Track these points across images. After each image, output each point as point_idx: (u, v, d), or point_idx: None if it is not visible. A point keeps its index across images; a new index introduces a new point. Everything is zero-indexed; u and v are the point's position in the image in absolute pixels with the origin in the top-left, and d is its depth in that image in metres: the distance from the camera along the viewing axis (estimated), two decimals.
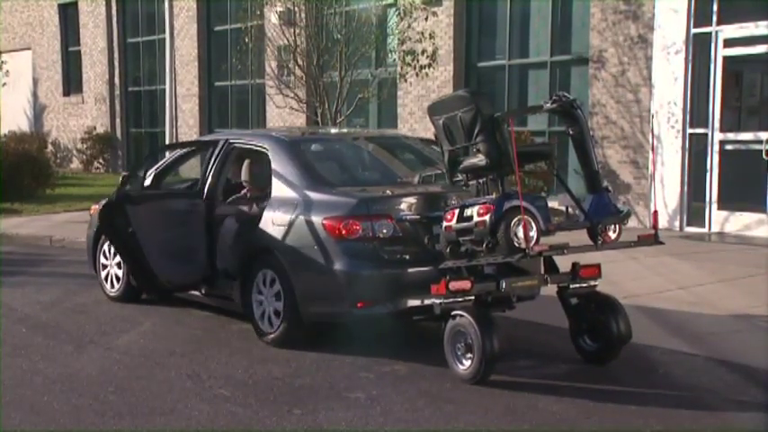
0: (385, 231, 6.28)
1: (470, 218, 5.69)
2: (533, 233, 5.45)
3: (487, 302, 5.91)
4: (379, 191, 6.71)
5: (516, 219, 5.44)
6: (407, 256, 6.36)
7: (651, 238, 5.93)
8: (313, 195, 6.66)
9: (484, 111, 5.71)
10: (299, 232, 6.53)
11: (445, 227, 5.91)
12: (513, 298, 6.04)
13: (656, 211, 6.09)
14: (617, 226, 5.87)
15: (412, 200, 6.51)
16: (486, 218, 5.54)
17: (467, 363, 5.65)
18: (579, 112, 5.86)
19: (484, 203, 5.64)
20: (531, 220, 5.47)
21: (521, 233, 5.41)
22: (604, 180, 6.76)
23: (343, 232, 6.26)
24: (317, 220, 6.43)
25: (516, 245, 5.45)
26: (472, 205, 5.73)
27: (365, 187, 6.84)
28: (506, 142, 5.64)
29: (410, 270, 6.33)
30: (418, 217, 6.38)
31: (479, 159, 5.75)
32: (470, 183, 6.06)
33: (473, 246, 5.77)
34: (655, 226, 5.98)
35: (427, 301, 5.90)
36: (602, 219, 5.79)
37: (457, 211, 5.84)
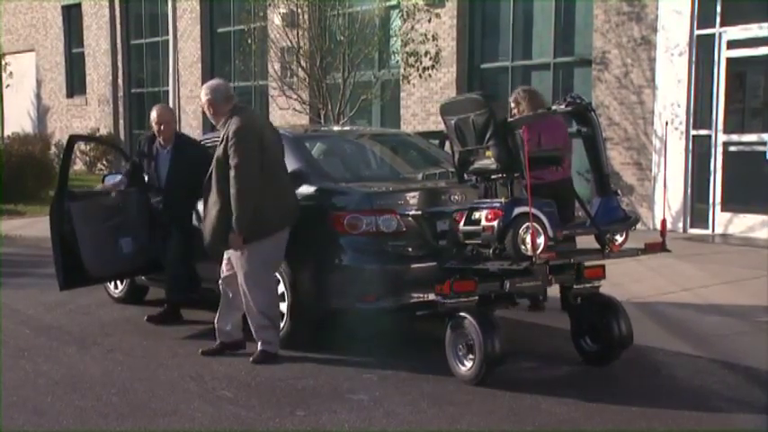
0: (389, 226, 6.28)
1: (478, 221, 5.67)
2: (541, 240, 5.41)
3: (490, 299, 5.90)
4: (383, 186, 6.71)
5: (524, 226, 5.40)
6: (411, 251, 6.37)
7: (659, 247, 5.88)
8: (317, 191, 6.66)
9: (497, 115, 5.70)
10: (303, 228, 6.53)
11: (453, 228, 5.90)
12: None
13: (664, 220, 6.01)
14: (624, 231, 5.85)
15: (416, 195, 6.50)
16: (495, 223, 5.51)
17: (468, 364, 5.64)
18: (593, 115, 5.81)
19: (492, 209, 5.61)
20: (539, 228, 5.44)
21: (528, 240, 5.40)
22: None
23: (347, 227, 6.26)
24: (320, 215, 6.43)
25: (523, 252, 5.44)
26: (481, 209, 5.72)
27: (368, 183, 6.84)
28: (518, 148, 5.62)
29: (414, 265, 6.33)
30: (421, 212, 6.38)
31: (490, 162, 5.74)
32: (479, 184, 6.06)
33: (480, 248, 5.75)
34: (663, 234, 5.90)
35: (431, 296, 5.90)
36: (609, 225, 5.75)
37: (465, 213, 5.83)
